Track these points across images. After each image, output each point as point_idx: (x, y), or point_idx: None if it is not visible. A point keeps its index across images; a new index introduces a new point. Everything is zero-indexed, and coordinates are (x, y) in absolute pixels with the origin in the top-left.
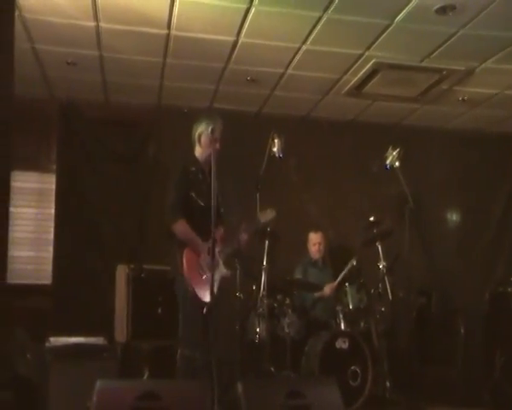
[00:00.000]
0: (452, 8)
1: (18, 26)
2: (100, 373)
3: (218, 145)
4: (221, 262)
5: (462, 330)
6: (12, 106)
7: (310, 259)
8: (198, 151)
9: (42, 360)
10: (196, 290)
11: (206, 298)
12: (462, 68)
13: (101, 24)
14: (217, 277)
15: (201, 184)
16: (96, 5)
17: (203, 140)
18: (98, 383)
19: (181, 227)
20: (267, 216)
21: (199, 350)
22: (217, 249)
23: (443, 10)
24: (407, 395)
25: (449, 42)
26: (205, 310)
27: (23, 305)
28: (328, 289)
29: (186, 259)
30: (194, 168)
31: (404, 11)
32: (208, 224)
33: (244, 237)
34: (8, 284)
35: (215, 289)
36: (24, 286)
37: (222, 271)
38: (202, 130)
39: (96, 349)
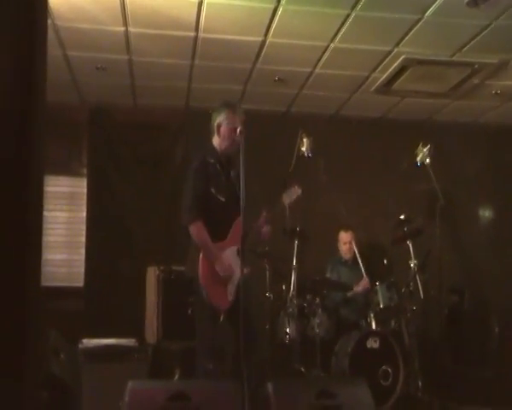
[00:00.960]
0: None
1: (50, 34)
2: (131, 374)
3: (241, 138)
4: (239, 263)
5: (497, 329)
6: (45, 112)
7: (340, 258)
8: (216, 141)
9: (75, 361)
10: (212, 298)
11: (223, 305)
12: (495, 61)
13: (130, 29)
14: (235, 279)
15: (220, 176)
16: (124, 10)
17: (223, 130)
18: (129, 384)
19: (196, 230)
20: (291, 196)
21: (214, 360)
22: (235, 248)
23: (474, 2)
24: (439, 395)
25: (481, 35)
26: (221, 318)
27: (56, 307)
28: (359, 287)
29: (202, 263)
30: (212, 160)
31: (435, 5)
32: (229, 221)
33: (266, 229)
34: (41, 286)
35: (233, 292)
36: (57, 288)
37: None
38: (222, 119)
39: (127, 350)
